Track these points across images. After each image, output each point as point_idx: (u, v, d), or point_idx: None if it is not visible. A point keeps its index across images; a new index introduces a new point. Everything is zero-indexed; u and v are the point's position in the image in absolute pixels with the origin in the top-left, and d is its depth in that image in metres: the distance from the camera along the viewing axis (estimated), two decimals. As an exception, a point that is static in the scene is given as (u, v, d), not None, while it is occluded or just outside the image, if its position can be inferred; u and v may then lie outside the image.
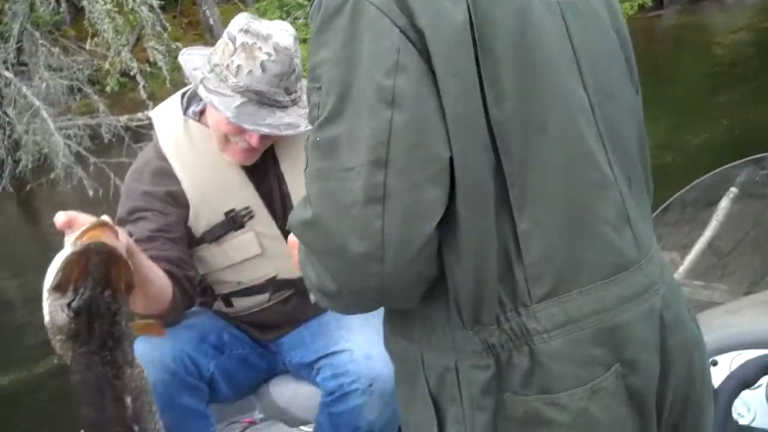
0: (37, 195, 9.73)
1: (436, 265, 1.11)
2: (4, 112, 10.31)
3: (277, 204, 2.14)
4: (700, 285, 3.16)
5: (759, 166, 3.49)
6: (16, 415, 5.02)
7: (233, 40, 1.96)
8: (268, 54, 1.92)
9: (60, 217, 1.52)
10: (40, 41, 10.37)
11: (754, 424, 1.94)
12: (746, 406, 1.96)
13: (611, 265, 1.15)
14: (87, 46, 11.10)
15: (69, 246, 1.41)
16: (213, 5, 16.50)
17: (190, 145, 2.10)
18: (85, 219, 1.51)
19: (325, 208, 1.08)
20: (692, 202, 3.52)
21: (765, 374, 1.82)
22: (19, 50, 10.60)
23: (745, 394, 1.86)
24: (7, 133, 10.38)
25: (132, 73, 9.07)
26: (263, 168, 2.13)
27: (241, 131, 1.98)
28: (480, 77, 1.07)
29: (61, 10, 10.42)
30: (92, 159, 8.99)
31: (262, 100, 1.95)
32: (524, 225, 1.11)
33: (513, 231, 1.11)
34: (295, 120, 1.99)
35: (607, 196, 1.16)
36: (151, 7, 9.28)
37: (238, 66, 1.94)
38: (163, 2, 9.29)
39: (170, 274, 1.93)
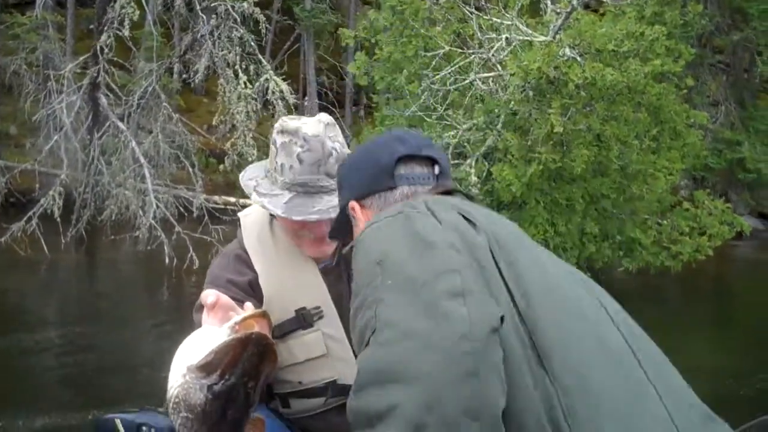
0: (110, 247, 9.84)
1: None
2: (99, 160, 10.61)
3: (347, 308, 2.15)
4: None
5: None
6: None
7: (274, 142, 2.11)
8: (302, 146, 2.05)
9: (210, 296, 1.55)
10: (164, 104, 10.76)
11: None
12: None
13: None
14: (205, 124, 11.35)
15: (227, 329, 1.42)
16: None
17: (272, 242, 2.19)
18: (228, 302, 1.53)
19: None
20: (747, 441, 3.41)
21: None
22: (138, 106, 10.94)
23: None
24: (99, 180, 10.62)
25: (251, 160, 9.24)
26: (336, 271, 2.17)
27: (301, 225, 2.06)
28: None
29: (195, 81, 10.80)
30: (177, 227, 9.14)
31: (307, 190, 2.06)
32: None
33: None
34: None
35: None
36: (287, 103, 9.62)
37: (282, 164, 2.07)
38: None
39: None
